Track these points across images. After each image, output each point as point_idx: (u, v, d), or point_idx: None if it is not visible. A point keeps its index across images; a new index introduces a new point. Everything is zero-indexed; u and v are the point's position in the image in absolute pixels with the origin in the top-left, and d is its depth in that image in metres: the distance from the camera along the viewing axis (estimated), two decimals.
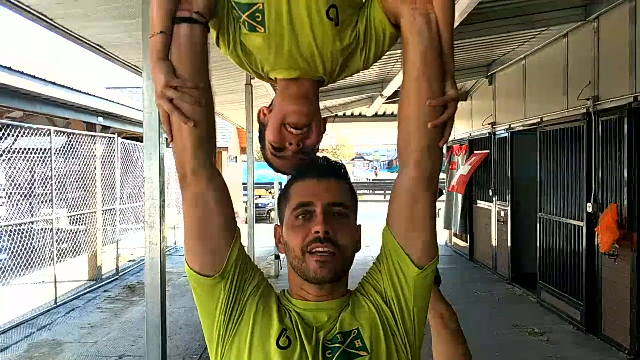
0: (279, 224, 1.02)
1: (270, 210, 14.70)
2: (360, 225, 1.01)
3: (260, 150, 1.13)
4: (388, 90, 7.32)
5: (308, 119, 1.02)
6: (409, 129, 0.94)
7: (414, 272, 0.94)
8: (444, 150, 10.96)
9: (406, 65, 0.94)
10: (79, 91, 6.93)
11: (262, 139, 1.09)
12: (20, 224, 6.29)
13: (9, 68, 5.42)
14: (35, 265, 6.38)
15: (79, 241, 7.56)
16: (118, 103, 8.35)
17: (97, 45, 4.00)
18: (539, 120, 6.16)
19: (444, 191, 9.75)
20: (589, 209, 4.96)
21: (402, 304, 0.95)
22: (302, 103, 1.03)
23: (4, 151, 6.13)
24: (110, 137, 8.21)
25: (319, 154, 1.09)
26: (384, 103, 8.45)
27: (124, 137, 9.11)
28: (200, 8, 0.91)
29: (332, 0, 0.98)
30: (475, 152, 8.66)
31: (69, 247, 7.38)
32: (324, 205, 0.94)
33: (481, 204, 8.48)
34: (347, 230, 0.95)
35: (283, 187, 1.05)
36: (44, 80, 6.06)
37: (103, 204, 8.08)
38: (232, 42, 1.02)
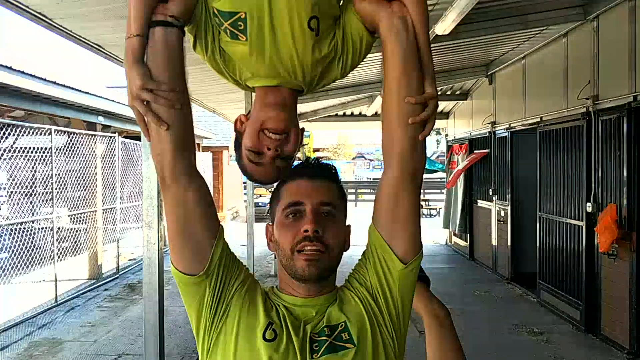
0: (270, 223, 1.04)
1: None
2: (349, 226, 1.04)
3: (236, 161, 1.12)
4: None
5: (287, 125, 1.03)
6: (391, 127, 0.97)
7: (399, 267, 0.97)
8: (445, 150, 10.97)
9: (386, 67, 0.97)
10: (80, 90, 6.94)
11: (238, 147, 1.09)
12: (21, 223, 6.31)
13: (10, 67, 5.43)
14: (36, 264, 6.40)
15: (79, 240, 7.58)
16: (118, 102, 8.35)
17: (97, 45, 4.00)
18: (538, 119, 6.16)
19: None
20: (589, 209, 4.97)
21: (388, 297, 0.98)
22: (281, 110, 1.04)
23: (5, 150, 6.15)
24: (110, 137, 8.22)
25: (319, 155, 1.10)
26: None
27: (124, 137, 9.12)
28: (176, 12, 0.92)
29: (314, 11, 1.00)
30: (475, 151, 8.67)
31: (70, 246, 7.40)
32: (313, 205, 0.96)
33: (481, 203, 8.49)
34: (335, 230, 0.98)
35: (275, 187, 1.06)
36: (45, 79, 6.07)
37: (104, 203, 8.10)
38: (210, 48, 1.03)
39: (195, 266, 0.95)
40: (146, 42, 0.91)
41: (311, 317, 0.96)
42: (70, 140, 7.14)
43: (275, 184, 1.09)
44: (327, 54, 1.04)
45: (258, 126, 1.03)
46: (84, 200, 7.62)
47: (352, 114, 10.96)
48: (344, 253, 1.02)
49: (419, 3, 0.97)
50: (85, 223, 7.71)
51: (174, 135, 0.91)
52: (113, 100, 8.13)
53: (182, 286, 0.98)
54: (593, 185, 4.96)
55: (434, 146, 29.58)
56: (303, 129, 1.10)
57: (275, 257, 6.78)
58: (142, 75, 0.89)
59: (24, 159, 6.76)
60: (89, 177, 7.68)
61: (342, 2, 1.07)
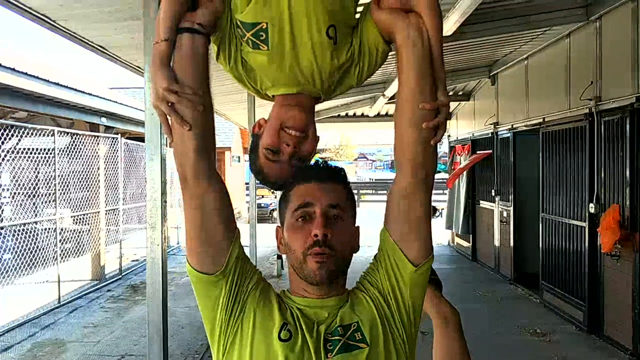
0: (280, 226, 1.06)
1: (272, 210, 14.71)
2: (358, 227, 1.05)
3: (250, 166, 1.15)
4: (390, 91, 7.33)
5: (306, 124, 1.07)
6: (404, 133, 1.00)
7: (410, 269, 1.00)
8: (447, 151, 10.96)
9: (401, 76, 1.00)
10: (83, 92, 6.96)
11: (254, 150, 1.12)
12: (24, 224, 6.33)
13: (13, 69, 5.45)
14: (39, 265, 6.42)
15: (82, 241, 7.59)
16: (121, 103, 8.37)
17: (100, 46, 4.02)
18: (541, 120, 6.15)
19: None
20: (592, 210, 4.96)
21: (399, 299, 1.00)
22: (300, 110, 1.08)
23: (8, 151, 6.17)
24: (113, 138, 8.24)
25: (321, 157, 1.12)
26: (386, 103, 8.45)
27: (127, 138, 9.14)
28: (202, 20, 0.97)
29: (332, 20, 1.03)
30: (478, 152, 8.66)
31: (73, 247, 7.42)
32: (323, 207, 0.98)
33: (484, 204, 8.47)
34: (345, 232, 1.00)
35: (284, 190, 1.08)
36: (47, 80, 6.09)
37: (106, 204, 8.11)
38: (232, 59, 1.08)
39: (212, 266, 0.97)
40: (173, 48, 0.95)
41: (324, 318, 0.98)
42: (73, 142, 7.16)
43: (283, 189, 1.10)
44: (345, 62, 1.08)
45: (278, 124, 1.06)
46: (86, 201, 7.64)
47: (354, 114, 10.97)
48: (356, 254, 1.04)
49: (435, 15, 1.00)
50: (88, 224, 7.73)
51: (196, 136, 0.94)
52: (116, 102, 8.15)
53: (198, 286, 0.99)
54: (596, 186, 4.95)
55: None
56: (318, 137, 1.13)
57: (277, 259, 6.76)
58: (167, 78, 0.93)
59: (27, 160, 6.78)
60: (91, 178, 7.69)
61: (359, 11, 1.10)
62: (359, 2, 1.12)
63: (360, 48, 1.08)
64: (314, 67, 1.06)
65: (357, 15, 1.10)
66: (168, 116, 0.94)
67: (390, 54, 1.10)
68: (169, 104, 0.93)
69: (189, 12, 0.97)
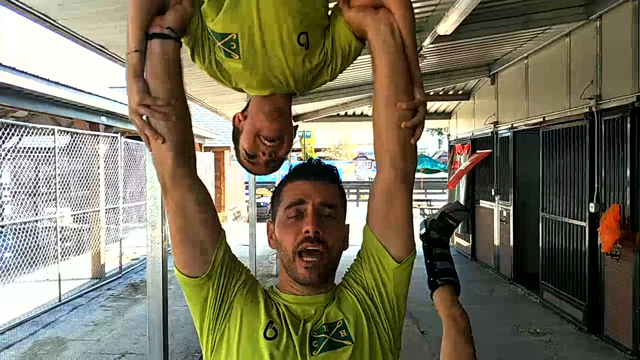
0: (271, 220, 1.07)
1: None
2: (348, 225, 1.06)
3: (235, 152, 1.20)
4: None
5: (280, 133, 1.11)
6: (382, 132, 1.00)
7: (393, 265, 1.00)
8: (447, 150, 10.96)
9: (376, 73, 1.00)
10: (82, 91, 6.96)
11: (236, 141, 1.16)
12: (24, 223, 6.34)
13: (13, 68, 5.45)
14: (39, 264, 6.43)
15: (82, 240, 7.60)
16: (121, 102, 8.36)
17: (100, 46, 4.01)
18: (541, 119, 6.15)
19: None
20: (592, 209, 4.96)
21: (383, 294, 1.01)
22: (275, 119, 1.11)
23: (8, 150, 6.18)
24: (113, 137, 8.24)
25: (315, 157, 1.16)
26: None
27: (127, 137, 9.14)
28: (172, 24, 0.96)
29: (302, 27, 1.04)
30: (477, 151, 8.66)
31: (73, 246, 7.42)
32: (315, 206, 0.98)
33: (484, 203, 8.48)
34: (335, 230, 1.00)
35: (277, 185, 1.10)
36: (48, 80, 6.09)
37: (106, 203, 8.12)
38: (207, 60, 1.08)
39: (198, 269, 0.98)
40: (145, 57, 0.94)
41: (310, 315, 0.98)
42: (73, 141, 7.17)
43: (277, 183, 1.13)
44: (318, 64, 1.09)
45: (254, 132, 1.10)
46: (86, 200, 7.65)
47: (353, 114, 10.97)
48: (343, 252, 1.04)
49: (405, 10, 0.99)
50: (88, 223, 7.74)
51: (172, 145, 0.95)
52: (115, 101, 8.14)
53: (186, 288, 1.00)
54: (596, 185, 4.95)
55: (436, 146, 29.55)
56: (297, 127, 1.17)
57: (277, 257, 6.79)
58: (139, 91, 0.93)
59: (27, 159, 6.79)
60: (91, 177, 7.70)
61: (330, 11, 1.10)
62: (329, 3, 1.13)
63: (332, 48, 1.08)
64: (286, 72, 1.07)
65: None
66: (142, 129, 0.95)
67: None
68: (143, 117, 0.94)
69: (157, 16, 0.95)
